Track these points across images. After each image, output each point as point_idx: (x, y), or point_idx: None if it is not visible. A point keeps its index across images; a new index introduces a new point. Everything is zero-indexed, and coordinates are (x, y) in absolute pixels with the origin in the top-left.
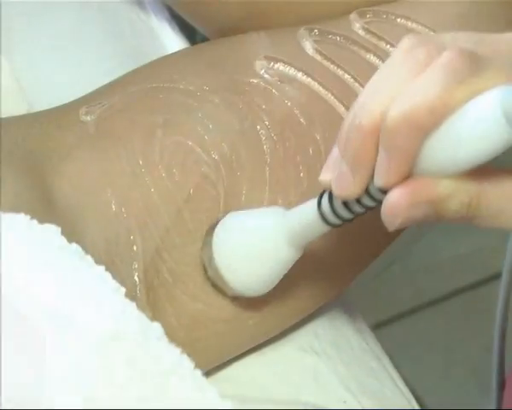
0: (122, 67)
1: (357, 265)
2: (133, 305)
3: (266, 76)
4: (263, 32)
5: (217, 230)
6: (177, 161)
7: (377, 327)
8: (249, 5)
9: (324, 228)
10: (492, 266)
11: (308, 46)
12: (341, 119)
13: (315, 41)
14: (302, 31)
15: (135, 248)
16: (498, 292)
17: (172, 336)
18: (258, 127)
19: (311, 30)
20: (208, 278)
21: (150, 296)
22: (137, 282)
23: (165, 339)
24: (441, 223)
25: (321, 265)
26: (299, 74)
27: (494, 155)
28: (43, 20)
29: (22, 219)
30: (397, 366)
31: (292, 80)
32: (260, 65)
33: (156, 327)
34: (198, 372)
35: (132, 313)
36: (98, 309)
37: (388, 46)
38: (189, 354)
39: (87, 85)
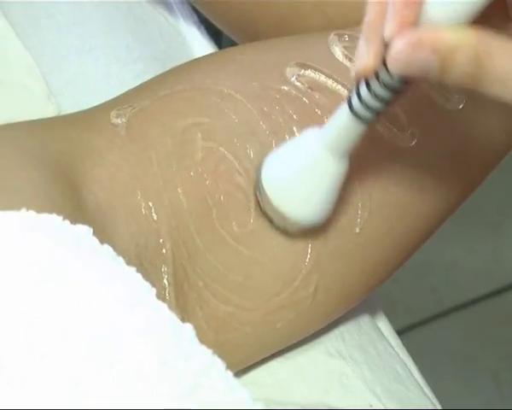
0: (150, 70)
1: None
2: (164, 306)
3: (297, 83)
4: (292, 37)
5: (263, 165)
6: (209, 167)
7: (397, 334)
8: (279, 10)
9: (360, 127)
10: None
11: (338, 52)
12: None
13: (344, 47)
14: (332, 36)
15: (164, 251)
16: None
17: (201, 338)
18: (287, 137)
19: (341, 35)
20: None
21: (180, 301)
22: (166, 285)
23: (196, 340)
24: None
25: (349, 267)
26: (329, 81)
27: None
28: (72, 23)
29: (55, 219)
30: None
31: (322, 88)
32: (291, 72)
33: (188, 328)
34: (230, 374)
35: (164, 314)
36: (130, 309)
37: None
38: (218, 356)
39: (116, 89)
